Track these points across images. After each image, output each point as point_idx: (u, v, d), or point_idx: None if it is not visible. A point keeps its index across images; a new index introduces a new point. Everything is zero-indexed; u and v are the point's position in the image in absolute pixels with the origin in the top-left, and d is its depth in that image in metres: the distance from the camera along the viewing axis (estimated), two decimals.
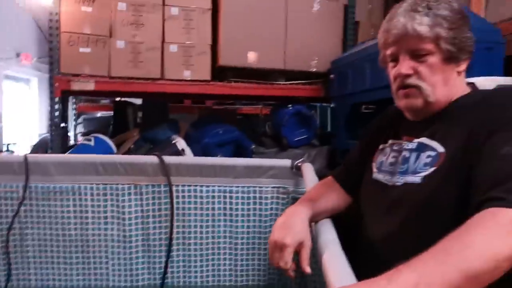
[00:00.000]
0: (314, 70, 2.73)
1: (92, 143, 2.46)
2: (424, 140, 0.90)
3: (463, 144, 0.81)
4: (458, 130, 0.85)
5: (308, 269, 0.86)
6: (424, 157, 0.87)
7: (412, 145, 0.92)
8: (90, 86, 2.29)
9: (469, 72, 1.61)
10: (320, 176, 1.33)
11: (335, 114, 2.79)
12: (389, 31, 0.90)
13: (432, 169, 0.84)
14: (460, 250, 0.58)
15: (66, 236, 1.50)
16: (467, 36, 0.90)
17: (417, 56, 0.88)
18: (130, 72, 2.38)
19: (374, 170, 1.01)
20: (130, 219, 1.52)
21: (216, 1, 2.55)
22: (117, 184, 1.51)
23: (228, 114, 4.42)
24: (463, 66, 0.92)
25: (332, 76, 2.65)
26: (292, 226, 0.91)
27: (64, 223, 1.50)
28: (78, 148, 2.46)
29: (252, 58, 2.57)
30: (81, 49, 2.27)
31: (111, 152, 2.48)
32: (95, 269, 1.53)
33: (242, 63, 2.56)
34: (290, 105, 2.76)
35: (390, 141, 1.01)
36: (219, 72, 2.64)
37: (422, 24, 0.86)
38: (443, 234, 0.62)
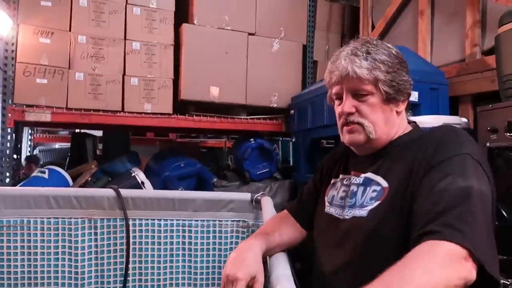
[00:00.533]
0: (275, 105, 2.81)
1: (46, 175, 2.37)
2: (369, 175, 0.95)
3: (404, 180, 0.86)
4: (400, 166, 0.90)
5: None
6: (370, 192, 0.92)
7: (359, 179, 0.97)
8: (46, 117, 2.23)
9: (418, 110, 1.75)
10: (282, 209, 1.35)
11: (296, 148, 2.86)
12: (332, 72, 0.97)
13: (377, 203, 0.88)
14: (400, 284, 0.60)
15: (11, 273, 1.42)
16: (404, 79, 0.96)
17: (359, 95, 0.94)
18: (89, 104, 2.34)
19: (326, 204, 1.05)
20: (83, 254, 1.46)
21: (179, 36, 2.60)
22: (70, 218, 1.46)
23: (191, 147, 4.40)
24: (401, 107, 0.99)
25: (292, 111, 2.73)
26: (244, 260, 0.91)
27: (10, 260, 1.41)
28: (31, 181, 2.35)
29: (213, 93, 2.61)
30: (38, 80, 2.22)
31: (66, 185, 2.39)
32: None
33: (204, 98, 2.60)
34: (252, 139, 2.80)
35: (341, 176, 1.06)
36: (181, 106, 2.66)
37: (361, 67, 0.92)
38: (388, 265, 0.64)
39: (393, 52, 0.97)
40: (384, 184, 0.90)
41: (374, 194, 0.91)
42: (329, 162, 1.16)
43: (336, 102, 1.01)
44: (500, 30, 1.35)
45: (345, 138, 0.99)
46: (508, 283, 1.12)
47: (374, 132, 0.95)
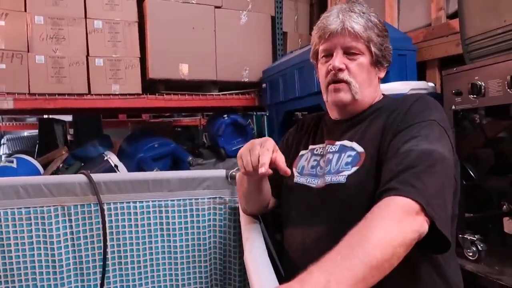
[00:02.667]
0: (246, 80, 2.78)
1: (14, 164, 2.29)
2: (344, 142, 0.96)
3: (376, 144, 0.88)
4: (373, 132, 0.92)
5: (288, 171, 0.88)
6: (346, 157, 0.93)
7: (335, 147, 0.98)
8: (9, 104, 2.13)
9: (387, 78, 1.76)
10: None
11: (270, 122, 2.85)
12: (326, 27, 0.96)
13: (354, 168, 0.90)
14: (361, 243, 0.62)
15: None
16: (389, 47, 1.00)
17: (349, 54, 0.95)
18: (53, 88, 2.25)
19: (296, 175, 1.05)
20: (58, 242, 1.44)
21: (143, 13, 2.51)
22: (42, 206, 1.42)
23: (164, 127, 4.33)
24: (382, 73, 1.01)
25: (264, 85, 2.71)
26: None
27: None
28: None
29: (183, 70, 2.55)
30: None
31: (37, 173, 2.33)
32: None
33: (174, 76, 2.54)
34: (225, 115, 2.78)
35: (310, 147, 1.06)
36: (151, 85, 2.59)
37: (358, 24, 0.93)
38: None
39: (381, 20, 0.99)
40: (360, 149, 0.91)
41: (350, 159, 0.92)
42: (295, 134, 1.16)
43: (323, 59, 1.00)
44: None
45: (330, 96, 0.98)
46: (475, 239, 1.18)
47: (359, 93, 0.96)
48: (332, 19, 0.95)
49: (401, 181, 0.72)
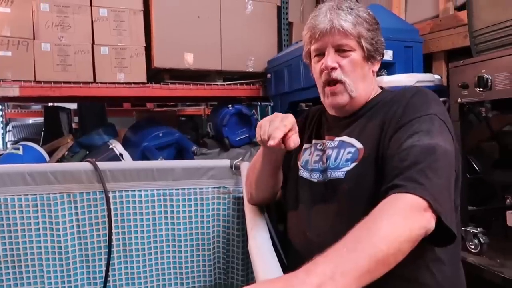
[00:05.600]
0: (251, 70, 2.76)
1: (20, 151, 2.31)
2: (344, 138, 0.97)
3: (376, 140, 0.89)
4: (372, 127, 0.92)
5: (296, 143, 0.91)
6: (345, 154, 0.93)
7: (334, 143, 0.98)
8: (15, 91, 2.14)
9: (392, 69, 1.75)
10: None
11: (275, 113, 2.85)
12: (315, 27, 0.95)
13: (353, 164, 0.90)
14: (368, 236, 0.63)
15: None
16: (381, 39, 0.99)
17: (341, 51, 0.95)
18: (59, 76, 2.25)
19: (300, 168, 1.06)
20: (64, 229, 1.46)
21: (148, 2, 2.49)
22: (48, 194, 1.44)
23: (169, 116, 4.34)
24: (376, 67, 1.01)
25: (269, 75, 2.71)
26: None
27: None
28: (4, 158, 2.29)
29: (188, 59, 2.55)
30: (1, 53, 2.11)
31: (42, 161, 2.35)
32: (29, 285, 1.45)
33: (179, 65, 2.53)
34: (230, 105, 2.78)
35: (313, 141, 1.06)
36: (155, 74, 2.59)
37: (347, 21, 0.92)
38: None
39: (370, 13, 0.98)
40: (359, 145, 0.92)
41: (349, 155, 0.92)
42: (299, 127, 1.16)
43: (316, 59, 0.99)
44: None
45: (327, 100, 0.99)
46: (477, 231, 1.18)
47: (355, 90, 0.96)
48: (320, 18, 0.95)
49: (407, 178, 0.73)
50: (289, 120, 0.91)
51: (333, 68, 0.94)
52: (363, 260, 0.60)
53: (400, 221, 0.66)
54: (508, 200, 1.23)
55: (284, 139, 0.89)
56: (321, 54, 0.97)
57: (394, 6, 2.18)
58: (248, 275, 1.54)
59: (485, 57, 1.18)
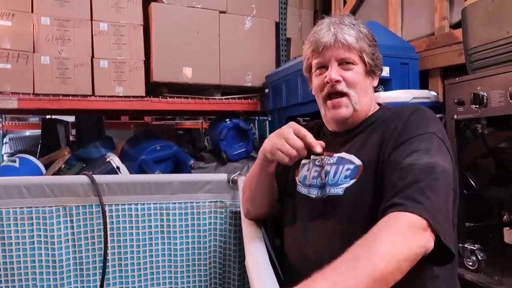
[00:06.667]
0: (249, 85, 2.79)
1: (17, 164, 2.30)
2: (343, 154, 0.96)
3: (375, 156, 0.89)
4: (371, 144, 0.92)
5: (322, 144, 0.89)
6: (344, 170, 0.93)
7: (333, 159, 0.98)
8: (13, 104, 2.15)
9: (389, 86, 1.77)
10: None
11: (272, 127, 2.86)
12: (318, 40, 0.96)
13: (352, 181, 0.90)
14: (367, 255, 0.63)
15: None
16: (379, 56, 1.01)
17: (344, 64, 0.96)
18: (58, 89, 2.26)
19: (298, 183, 1.06)
20: (59, 242, 1.44)
21: (148, 16, 2.53)
22: (44, 207, 1.43)
23: (166, 130, 4.35)
24: (375, 82, 1.02)
25: (267, 90, 2.73)
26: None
27: None
28: (1, 170, 2.28)
29: (186, 73, 2.57)
30: (1, 65, 2.13)
31: (38, 173, 2.34)
32: None
33: (177, 79, 2.55)
34: (227, 119, 2.79)
35: (312, 157, 1.06)
36: (154, 88, 2.61)
37: (350, 35, 0.94)
38: None
39: (369, 30, 1.00)
40: (358, 162, 0.92)
41: (348, 172, 0.92)
42: None
43: (317, 72, 0.99)
44: (467, 3, 1.37)
45: (329, 114, 0.99)
46: (475, 248, 1.18)
47: (358, 103, 0.96)
48: (324, 32, 0.96)
49: (406, 197, 0.73)
50: (299, 127, 0.91)
51: (337, 81, 0.95)
52: (361, 279, 0.60)
53: (399, 240, 0.65)
54: (505, 216, 1.24)
55: (308, 146, 0.90)
56: (323, 67, 0.98)
57: (390, 23, 2.21)
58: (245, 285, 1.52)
59: (480, 74, 1.20)
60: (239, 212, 1.51)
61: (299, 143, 0.88)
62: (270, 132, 3.20)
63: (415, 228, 0.68)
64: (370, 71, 0.98)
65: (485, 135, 1.33)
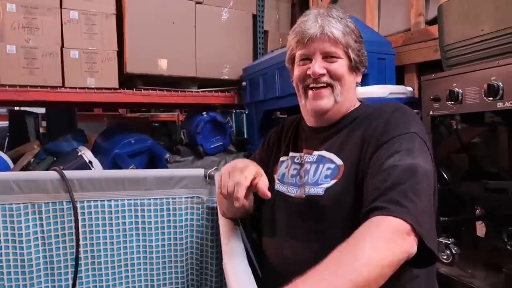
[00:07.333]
0: (226, 77, 2.75)
1: None
2: (323, 153, 0.94)
3: (356, 156, 0.87)
4: (352, 143, 0.90)
5: (269, 194, 0.86)
6: (325, 169, 0.91)
7: (312, 157, 0.96)
8: None
9: (366, 81, 1.78)
10: None
11: (250, 121, 2.84)
12: (304, 31, 0.93)
13: (333, 181, 0.88)
14: (350, 261, 0.61)
15: None
16: (364, 53, 0.99)
17: (328, 58, 0.93)
18: (25, 80, 2.16)
19: (276, 181, 1.03)
20: (28, 241, 1.38)
21: (121, 6, 2.44)
22: (11, 204, 1.36)
23: (141, 122, 4.25)
24: (359, 78, 1.00)
25: (244, 83, 2.70)
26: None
27: None
28: None
29: (161, 65, 2.51)
30: None
31: (5, 168, 2.23)
32: None
33: (152, 71, 2.49)
34: (204, 113, 2.75)
35: (290, 154, 1.04)
36: (128, 80, 2.53)
37: (337, 29, 0.92)
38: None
39: (356, 26, 0.98)
40: (339, 162, 0.90)
41: (329, 172, 0.90)
42: (273, 140, 1.13)
43: (300, 63, 0.97)
44: (443, 0, 1.38)
45: (309, 104, 0.96)
46: (449, 242, 1.20)
47: (341, 95, 0.94)
48: (310, 23, 0.93)
49: (389, 200, 0.71)
50: (250, 170, 0.88)
51: (321, 75, 0.93)
52: (344, 286, 0.58)
53: (383, 246, 0.64)
54: (477, 211, 1.26)
55: (252, 187, 0.87)
56: (307, 59, 0.95)
57: (367, 18, 2.22)
58: (222, 287, 1.51)
59: (456, 71, 1.22)
60: (216, 207, 1.48)
61: (231, 186, 0.87)
62: (247, 126, 3.18)
63: (398, 233, 0.67)
64: (355, 67, 0.96)
65: (459, 131, 1.35)
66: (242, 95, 2.79)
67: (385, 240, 0.65)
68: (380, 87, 1.61)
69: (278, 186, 1.02)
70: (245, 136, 3.17)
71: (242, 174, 0.86)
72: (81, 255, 1.44)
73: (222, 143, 2.76)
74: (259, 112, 2.56)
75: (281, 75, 2.19)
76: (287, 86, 2.13)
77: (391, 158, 0.78)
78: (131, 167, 2.31)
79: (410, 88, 1.68)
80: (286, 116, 2.75)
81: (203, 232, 1.53)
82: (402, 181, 0.73)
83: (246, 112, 2.94)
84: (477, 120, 1.32)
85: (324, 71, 0.93)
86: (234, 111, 3.41)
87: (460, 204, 1.34)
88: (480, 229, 1.23)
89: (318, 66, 0.93)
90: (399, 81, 1.91)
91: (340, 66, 0.94)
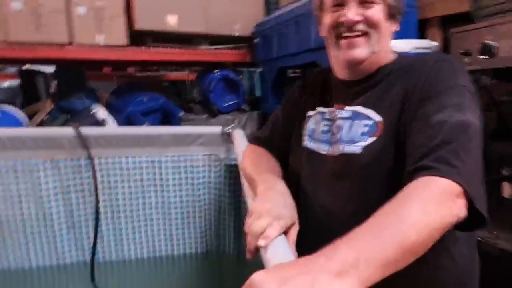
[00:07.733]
0: (237, 34, 2.67)
1: None
2: (358, 108, 0.87)
3: (397, 111, 0.80)
4: (391, 97, 0.83)
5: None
6: (361, 126, 0.85)
7: (346, 113, 0.89)
8: None
9: None
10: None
11: (263, 78, 2.78)
12: None
13: (372, 139, 0.82)
14: (396, 223, 0.57)
15: None
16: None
17: (364, 3, 0.85)
18: (32, 37, 2.10)
19: (305, 138, 0.97)
20: (48, 196, 1.40)
21: None
22: (29, 159, 1.37)
23: (151, 81, 4.20)
24: (395, 27, 0.91)
25: (256, 40, 2.62)
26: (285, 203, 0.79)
27: None
28: None
29: (171, 21, 2.42)
30: None
31: (21, 125, 2.24)
32: (14, 252, 1.41)
33: (161, 27, 2.41)
34: (216, 71, 2.69)
35: (319, 109, 0.97)
36: (137, 37, 2.46)
37: None
38: (387, 201, 0.61)
39: None
40: (377, 118, 0.83)
41: (366, 128, 0.84)
42: (300, 93, 1.06)
43: (332, 9, 0.88)
44: None
45: (342, 54, 0.88)
46: None
47: (377, 44, 0.85)
48: None
49: (438, 159, 0.65)
50: (285, 221, 0.73)
51: (356, 22, 0.84)
52: (390, 249, 0.54)
53: (432, 208, 0.59)
54: (504, 171, 1.23)
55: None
56: (339, 5, 0.87)
57: None
58: (240, 242, 1.53)
59: (490, 22, 1.14)
60: (233, 165, 1.48)
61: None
62: (260, 84, 3.12)
63: (449, 195, 0.62)
64: (391, 14, 0.87)
65: (487, 87, 1.29)
66: (254, 53, 2.71)
67: (434, 203, 0.60)
68: (404, 42, 1.53)
69: (308, 143, 0.96)
70: (259, 94, 3.12)
71: (277, 220, 0.72)
72: (101, 209, 1.46)
73: (235, 101, 2.73)
74: (272, 69, 2.50)
75: (297, 31, 2.11)
76: (302, 42, 2.05)
77: (439, 114, 0.72)
78: (145, 125, 2.30)
79: (435, 43, 1.60)
80: (299, 75, 2.68)
81: (220, 190, 1.53)
82: (452, 139, 0.68)
83: (260, 70, 2.87)
84: (509, 76, 1.25)
85: (360, 18, 0.84)
86: (246, 69, 3.34)
87: (486, 164, 1.31)
88: (507, 189, 1.20)
89: (352, 13, 0.84)
90: (420, 36, 1.83)
91: (377, 12, 0.85)
